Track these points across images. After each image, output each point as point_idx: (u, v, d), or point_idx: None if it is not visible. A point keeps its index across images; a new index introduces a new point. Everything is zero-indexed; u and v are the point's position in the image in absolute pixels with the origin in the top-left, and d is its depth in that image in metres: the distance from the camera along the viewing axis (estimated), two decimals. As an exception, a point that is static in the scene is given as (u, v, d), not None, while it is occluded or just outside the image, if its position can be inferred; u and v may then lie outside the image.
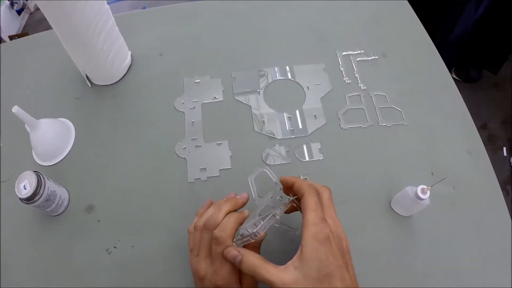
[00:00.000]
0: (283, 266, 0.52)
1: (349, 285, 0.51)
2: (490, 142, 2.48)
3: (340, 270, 0.51)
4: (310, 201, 0.57)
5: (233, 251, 0.56)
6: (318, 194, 0.60)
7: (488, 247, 0.79)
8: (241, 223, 0.61)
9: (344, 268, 0.52)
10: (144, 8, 3.13)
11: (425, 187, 0.70)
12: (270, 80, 1.02)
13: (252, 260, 0.54)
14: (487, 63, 2.57)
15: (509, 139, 2.52)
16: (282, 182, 0.66)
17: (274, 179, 0.68)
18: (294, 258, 0.53)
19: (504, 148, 2.47)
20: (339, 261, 0.52)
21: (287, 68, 1.04)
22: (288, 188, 0.65)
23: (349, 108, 0.97)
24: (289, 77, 1.03)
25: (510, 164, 2.42)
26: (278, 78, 1.03)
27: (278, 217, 0.60)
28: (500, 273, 0.77)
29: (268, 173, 0.68)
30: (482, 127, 2.53)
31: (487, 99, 2.69)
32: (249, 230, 0.58)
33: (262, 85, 1.01)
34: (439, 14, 2.58)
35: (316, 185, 0.62)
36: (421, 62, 1.08)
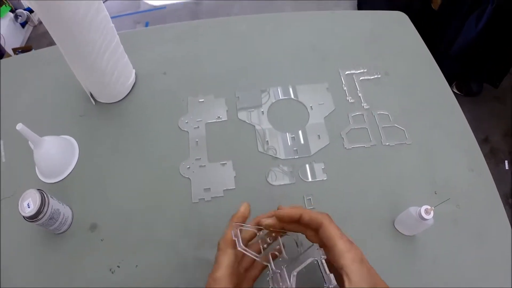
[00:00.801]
0: None
1: None
2: (492, 156, 2.48)
3: (380, 282, 0.55)
4: (333, 230, 0.56)
5: None
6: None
7: (491, 262, 0.79)
8: (238, 225, 0.62)
9: (378, 277, 0.55)
10: (147, 23, 3.15)
11: (429, 207, 0.70)
12: (273, 100, 1.02)
13: None
14: (488, 76, 2.57)
15: (510, 152, 2.51)
16: (282, 216, 0.61)
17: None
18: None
19: (506, 162, 2.46)
20: (374, 273, 0.55)
21: (290, 87, 1.05)
22: (291, 222, 0.62)
23: (353, 127, 0.97)
24: (292, 96, 1.03)
25: (512, 177, 2.41)
26: (281, 97, 1.03)
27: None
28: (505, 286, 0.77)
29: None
30: (484, 141, 2.53)
31: (489, 112, 2.69)
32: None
33: (265, 104, 1.01)
34: (440, 27, 2.60)
35: (320, 212, 0.61)
36: (422, 79, 1.09)
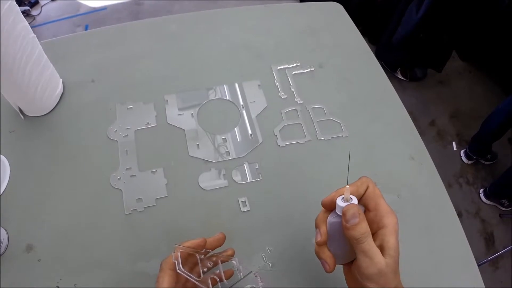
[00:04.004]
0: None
1: None
2: (440, 138, 2.55)
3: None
4: (377, 191, 0.58)
5: (354, 209, 0.54)
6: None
7: (438, 249, 0.81)
8: (179, 248, 0.62)
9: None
10: (87, 26, 3.08)
11: (343, 196, 0.55)
12: (203, 102, 1.01)
13: (366, 227, 0.54)
14: (432, 62, 2.64)
15: (457, 133, 2.60)
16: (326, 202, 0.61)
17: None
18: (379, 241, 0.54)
19: (454, 143, 2.53)
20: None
21: (223, 87, 1.04)
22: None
23: (286, 124, 0.97)
24: (224, 96, 1.02)
25: (461, 158, 2.48)
26: (212, 98, 1.01)
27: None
28: (452, 272, 0.79)
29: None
30: (431, 124, 2.59)
31: (434, 96, 2.78)
32: None
33: (195, 107, 1.00)
34: (382, 17, 2.65)
35: (361, 178, 0.61)
36: (359, 70, 1.10)
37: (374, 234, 0.55)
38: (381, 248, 0.53)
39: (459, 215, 2.22)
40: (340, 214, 0.55)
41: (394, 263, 0.53)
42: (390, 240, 0.53)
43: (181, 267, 0.59)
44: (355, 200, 0.55)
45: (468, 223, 2.31)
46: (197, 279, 0.61)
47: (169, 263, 0.60)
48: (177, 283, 0.61)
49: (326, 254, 0.59)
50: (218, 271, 0.64)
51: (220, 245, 0.67)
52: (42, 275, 0.77)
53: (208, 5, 3.27)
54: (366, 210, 0.57)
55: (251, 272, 0.62)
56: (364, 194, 0.58)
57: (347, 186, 0.55)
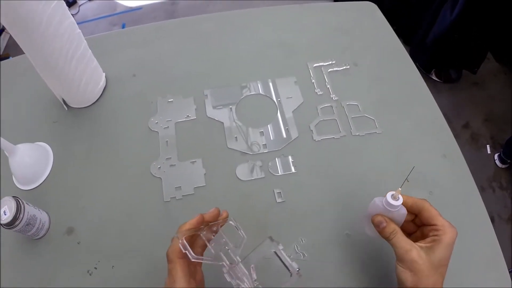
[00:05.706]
0: (414, 244, 0.62)
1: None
2: (474, 141, 2.50)
3: (447, 266, 0.62)
4: (434, 211, 0.64)
5: (379, 217, 0.65)
6: None
7: (467, 249, 0.79)
8: (182, 234, 0.60)
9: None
10: (123, 25, 3.13)
11: (394, 192, 0.63)
12: (242, 96, 1.03)
13: (393, 227, 0.64)
14: (466, 63, 2.59)
15: (491, 136, 2.54)
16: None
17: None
18: (429, 242, 0.62)
19: (488, 146, 2.48)
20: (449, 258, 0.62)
21: (259, 83, 1.06)
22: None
23: (321, 119, 0.98)
24: (261, 92, 1.04)
25: (495, 161, 2.43)
26: (250, 93, 1.04)
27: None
28: (481, 273, 0.78)
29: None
30: (464, 126, 2.54)
31: (468, 98, 2.72)
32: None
33: (234, 101, 1.02)
34: (416, 16, 2.62)
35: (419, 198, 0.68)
36: (393, 68, 1.10)
37: (426, 239, 0.63)
38: (428, 247, 0.61)
39: (491, 220, 2.17)
40: (384, 204, 0.64)
41: (430, 260, 0.60)
42: (434, 246, 0.61)
43: (194, 255, 0.57)
44: (400, 200, 0.62)
45: (500, 228, 2.24)
46: (212, 259, 0.60)
47: (176, 251, 0.58)
48: (190, 265, 0.60)
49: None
50: (224, 240, 0.64)
51: (216, 220, 0.66)
52: (81, 257, 0.81)
53: (242, 5, 3.29)
54: (428, 225, 0.64)
55: (266, 238, 0.60)
56: (420, 213, 0.65)
57: (400, 188, 0.62)
